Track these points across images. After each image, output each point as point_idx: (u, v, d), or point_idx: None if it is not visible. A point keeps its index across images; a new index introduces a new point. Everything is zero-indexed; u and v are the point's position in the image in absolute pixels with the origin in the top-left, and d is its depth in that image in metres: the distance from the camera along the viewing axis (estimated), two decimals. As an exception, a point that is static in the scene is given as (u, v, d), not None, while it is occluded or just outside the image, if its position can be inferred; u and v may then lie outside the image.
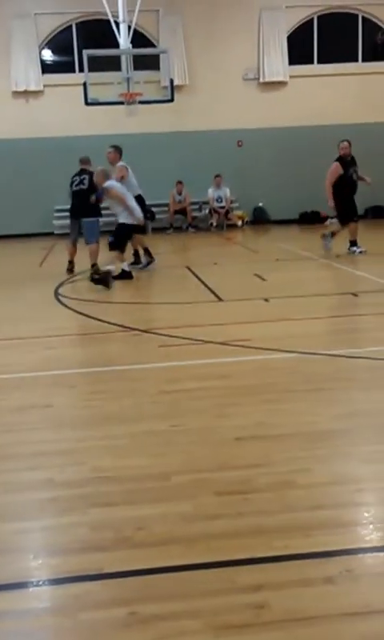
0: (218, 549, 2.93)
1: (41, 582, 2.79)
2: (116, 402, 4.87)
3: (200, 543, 2.99)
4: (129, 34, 14.95)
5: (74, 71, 17.62)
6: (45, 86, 18.00)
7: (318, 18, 18.68)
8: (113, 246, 10.09)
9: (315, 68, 18.78)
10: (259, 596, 2.60)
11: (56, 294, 9.22)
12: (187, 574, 2.78)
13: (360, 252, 10.96)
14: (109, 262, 9.92)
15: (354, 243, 11.08)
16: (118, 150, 11.05)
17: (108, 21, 14.89)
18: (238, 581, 2.70)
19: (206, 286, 9.24)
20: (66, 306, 8.43)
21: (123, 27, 14.86)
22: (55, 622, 2.55)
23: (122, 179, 10.34)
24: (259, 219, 18.63)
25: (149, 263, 10.98)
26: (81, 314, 7.87)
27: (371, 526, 3.11)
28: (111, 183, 9.88)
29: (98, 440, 4.20)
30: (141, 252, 11.21)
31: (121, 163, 10.81)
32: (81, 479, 3.66)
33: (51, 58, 18.72)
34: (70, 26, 18.05)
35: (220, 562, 2.83)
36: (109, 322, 7.28)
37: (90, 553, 2.95)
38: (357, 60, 19.05)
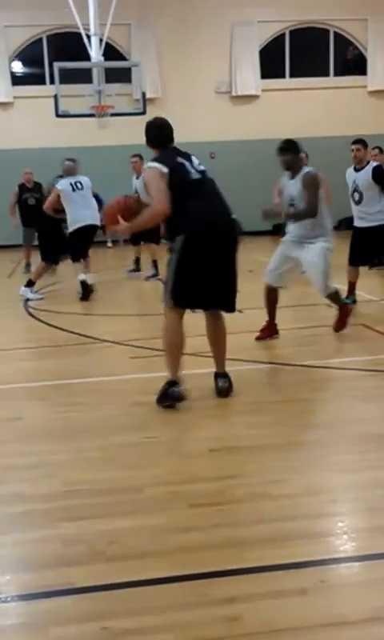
0: (191, 561, 2.90)
1: (10, 598, 2.74)
2: (88, 415, 4.83)
3: (173, 556, 2.96)
4: (100, 46, 14.99)
5: (44, 83, 17.59)
6: (15, 97, 17.93)
7: (290, 32, 18.85)
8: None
9: (287, 82, 18.93)
10: (232, 608, 2.58)
11: (26, 306, 9.15)
12: (160, 587, 2.74)
13: None
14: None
15: None
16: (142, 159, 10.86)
17: (79, 34, 14.91)
18: (211, 593, 2.68)
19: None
20: (36, 317, 8.37)
21: (95, 40, 14.89)
22: (26, 639, 2.51)
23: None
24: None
25: (154, 275, 10.78)
26: (51, 325, 7.81)
27: (345, 537, 3.11)
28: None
29: (70, 453, 4.16)
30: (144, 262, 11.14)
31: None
32: (52, 493, 3.62)
33: (22, 70, 18.68)
34: (41, 39, 18.03)
35: (193, 574, 2.81)
36: (80, 334, 7.24)
37: (62, 567, 2.91)
38: (328, 75, 19.25)
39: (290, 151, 6.35)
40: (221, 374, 5.02)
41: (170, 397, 4.77)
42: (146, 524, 3.24)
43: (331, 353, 6.09)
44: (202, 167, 4.97)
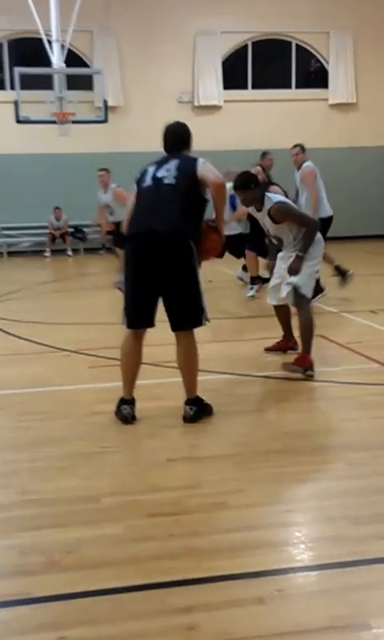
0: (148, 571, 2.91)
1: (-34, 609, 2.71)
2: (45, 424, 4.80)
3: (130, 566, 2.96)
4: (62, 53, 14.95)
5: (4, 89, 17.48)
6: (-25, 102, 17.79)
7: (253, 44, 19.03)
8: None
9: (249, 93, 19.09)
10: (189, 617, 2.58)
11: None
12: (117, 597, 2.74)
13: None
14: None
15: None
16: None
17: (41, 39, 14.86)
18: (169, 603, 2.68)
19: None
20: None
21: (56, 46, 14.86)
22: (-19, 650, 2.48)
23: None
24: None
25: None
26: (9, 334, 7.75)
27: (302, 546, 3.14)
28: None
29: (27, 462, 4.13)
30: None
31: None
32: (9, 502, 3.59)
33: (-19, 75, 18.54)
34: (2, 44, 17.91)
35: (150, 584, 2.81)
36: (38, 343, 7.19)
37: (19, 577, 2.89)
38: (290, 87, 19.45)
39: (244, 188, 5.84)
40: (187, 401, 4.76)
41: (119, 415, 4.73)
42: (103, 534, 3.24)
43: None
44: (164, 173, 4.63)
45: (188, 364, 4.72)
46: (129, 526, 3.30)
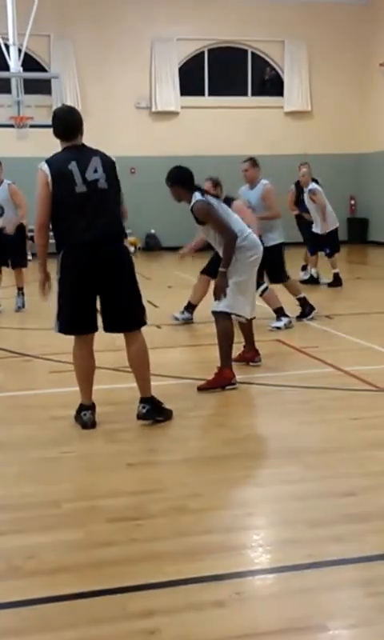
0: (109, 576, 2.92)
1: None
2: (5, 429, 4.78)
3: (91, 571, 2.97)
4: (19, 57, 14.89)
5: (-38, 92, 17.31)
6: None
7: (209, 51, 19.17)
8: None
9: (206, 100, 19.22)
10: (150, 622, 2.61)
11: None
12: (78, 602, 2.75)
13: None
14: None
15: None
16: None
17: (-2, 43, 14.78)
18: (129, 607, 2.70)
19: (97, 312, 9.21)
20: None
21: (13, 50, 14.80)
22: None
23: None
24: (151, 246, 18.79)
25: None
26: (-32, 338, 7.69)
27: (260, 549, 3.18)
28: None
29: (-13, 468, 4.11)
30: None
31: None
32: (-32, 509, 3.57)
33: None
34: None
35: (111, 589, 2.83)
36: (0, 348, 7.15)
37: (-21, 584, 2.88)
38: (246, 94, 19.64)
39: (171, 182, 5.61)
40: (141, 399, 4.80)
41: (79, 421, 4.75)
42: (63, 539, 3.24)
43: (248, 368, 6.20)
44: (96, 175, 4.57)
45: (141, 363, 4.79)
46: (89, 531, 3.32)
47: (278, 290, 8.04)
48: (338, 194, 19.24)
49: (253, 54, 19.46)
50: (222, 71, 19.50)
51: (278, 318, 7.85)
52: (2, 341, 7.48)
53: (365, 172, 19.65)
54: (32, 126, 14.60)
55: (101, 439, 4.56)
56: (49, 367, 6.36)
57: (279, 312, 7.87)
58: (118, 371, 5.76)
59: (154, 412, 4.78)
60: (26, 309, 9.39)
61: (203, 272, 8.22)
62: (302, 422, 4.88)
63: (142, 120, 18.75)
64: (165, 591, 2.82)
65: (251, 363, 6.31)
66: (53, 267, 4.72)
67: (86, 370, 4.79)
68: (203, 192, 5.63)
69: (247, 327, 6.28)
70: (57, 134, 4.73)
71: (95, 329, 4.78)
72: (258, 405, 5.40)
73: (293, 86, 19.44)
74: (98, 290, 4.65)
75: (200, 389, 5.54)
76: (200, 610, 2.68)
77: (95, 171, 4.59)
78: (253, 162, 7.98)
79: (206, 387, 5.54)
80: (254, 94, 19.75)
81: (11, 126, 14.58)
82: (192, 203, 5.54)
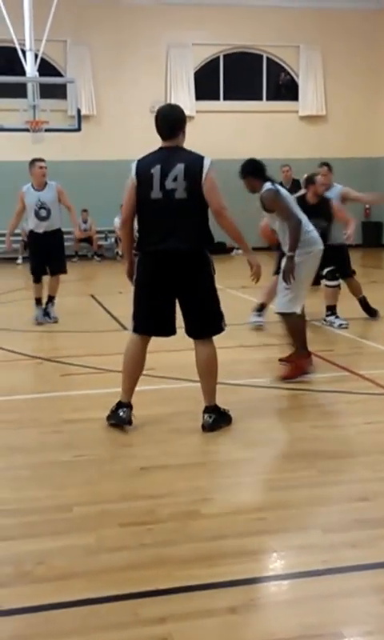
0: (120, 581, 2.88)
1: None
2: (17, 432, 4.75)
3: (102, 576, 2.93)
4: (36, 62, 14.93)
5: (-22, 96, 17.39)
6: None
7: (224, 56, 19.17)
8: None
9: (221, 104, 19.21)
10: (163, 628, 2.56)
11: None
12: (89, 608, 2.71)
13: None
14: None
15: None
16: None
17: (14, 48, 14.83)
18: (141, 613, 2.66)
19: (110, 314, 9.21)
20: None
21: (30, 55, 14.82)
22: None
23: None
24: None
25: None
26: (-19, 342, 7.68)
27: (274, 555, 3.13)
28: None
29: (-2, 471, 4.09)
30: None
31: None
32: (-21, 512, 3.54)
33: None
34: (-25, 51, 17.83)
35: (123, 594, 2.79)
36: (11, 350, 7.13)
37: (-12, 589, 2.85)
38: (261, 99, 19.61)
39: (244, 174, 5.97)
40: (206, 408, 4.74)
41: (116, 417, 4.72)
42: (75, 544, 3.21)
43: (262, 372, 6.15)
44: (173, 185, 4.44)
45: (208, 371, 4.74)
46: (101, 535, 3.28)
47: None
48: (353, 198, 19.22)
49: (268, 59, 19.44)
50: (237, 76, 19.49)
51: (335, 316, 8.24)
52: (13, 343, 7.47)
53: (379, 176, 19.55)
54: (47, 130, 14.62)
55: (114, 443, 4.53)
56: (60, 370, 6.34)
57: (331, 309, 8.27)
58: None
59: (219, 421, 4.72)
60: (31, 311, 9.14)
61: (276, 273, 8.18)
62: (316, 425, 4.83)
63: (156, 124, 18.76)
64: (177, 597, 2.77)
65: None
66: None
67: (133, 369, 4.76)
68: (273, 182, 5.89)
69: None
70: (157, 130, 4.65)
71: (166, 333, 4.75)
72: (272, 408, 5.35)
73: (307, 90, 19.39)
74: (173, 295, 4.63)
75: (284, 378, 5.83)
76: (213, 617, 2.64)
77: (175, 179, 4.44)
78: (329, 167, 8.42)
79: (290, 377, 5.82)
80: (268, 98, 19.73)
81: (27, 130, 14.61)
82: (261, 191, 5.82)
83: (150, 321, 4.70)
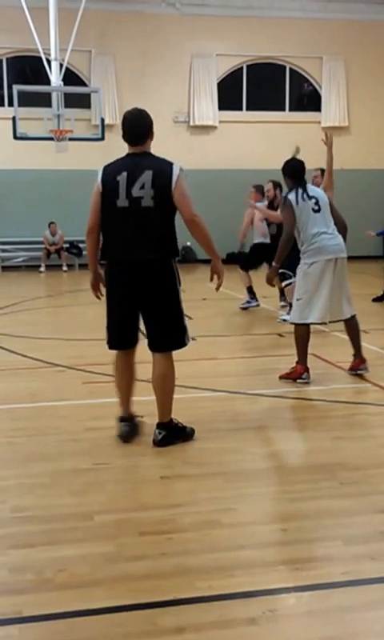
0: (140, 590, 2.88)
1: None
2: (38, 440, 4.77)
3: (122, 585, 2.93)
4: (60, 71, 15.08)
5: (3, 105, 17.56)
6: (-27, 118, 17.88)
7: (248, 67, 19.23)
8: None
9: (244, 115, 19.26)
10: (181, 638, 2.56)
11: (-21, 328, 9.04)
12: (108, 616, 2.72)
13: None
14: None
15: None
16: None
17: (40, 57, 14.99)
18: (160, 623, 2.66)
19: (138, 327, 9.21)
20: (-12, 340, 8.27)
21: (55, 65, 15.00)
22: (-30, 669, 2.45)
23: None
24: (187, 258, 18.80)
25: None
26: (3, 349, 7.73)
27: (294, 566, 3.12)
28: None
29: (19, 478, 4.10)
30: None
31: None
32: (0, 519, 3.56)
33: (-20, 92, 18.64)
34: (1, 61, 18.01)
35: (142, 603, 2.79)
36: (32, 358, 7.17)
37: (9, 595, 2.86)
38: (284, 109, 19.64)
39: (284, 173, 6.36)
40: (157, 424, 4.61)
41: (117, 432, 4.69)
42: (95, 552, 3.21)
43: (282, 382, 6.14)
44: (139, 192, 4.32)
45: (162, 386, 4.58)
46: (121, 544, 3.28)
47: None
48: (375, 209, 19.13)
49: (291, 69, 19.47)
50: (260, 86, 19.53)
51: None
52: (35, 351, 7.51)
53: (403, 187, 19.50)
54: (71, 139, 14.76)
55: (134, 451, 4.53)
56: (82, 378, 6.36)
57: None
58: (150, 383, 5.72)
59: (170, 437, 4.59)
60: (53, 318, 9.33)
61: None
62: (337, 437, 4.81)
63: (180, 134, 18.83)
64: (196, 607, 2.77)
65: (350, 372, 6.36)
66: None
67: (124, 383, 4.71)
68: (305, 189, 6.09)
69: (348, 331, 6.43)
70: (123, 136, 4.55)
71: (133, 345, 4.68)
72: (293, 419, 5.33)
73: (330, 101, 19.40)
74: (138, 307, 4.55)
75: (280, 377, 6.15)
76: (232, 627, 2.63)
77: (142, 187, 4.33)
78: (322, 172, 8.83)
79: (284, 377, 6.14)
80: (291, 109, 19.75)
81: (51, 138, 14.75)
82: (283, 194, 6.27)
83: (123, 333, 4.61)
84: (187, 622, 2.66)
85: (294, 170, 6.22)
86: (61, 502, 3.76)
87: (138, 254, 4.38)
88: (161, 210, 4.36)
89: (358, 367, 6.32)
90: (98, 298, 4.75)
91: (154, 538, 3.33)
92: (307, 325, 6.13)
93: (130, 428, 4.69)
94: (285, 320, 8.39)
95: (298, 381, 6.06)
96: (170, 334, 4.56)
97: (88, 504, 3.72)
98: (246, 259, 10.23)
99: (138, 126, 4.51)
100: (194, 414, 5.15)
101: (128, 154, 4.54)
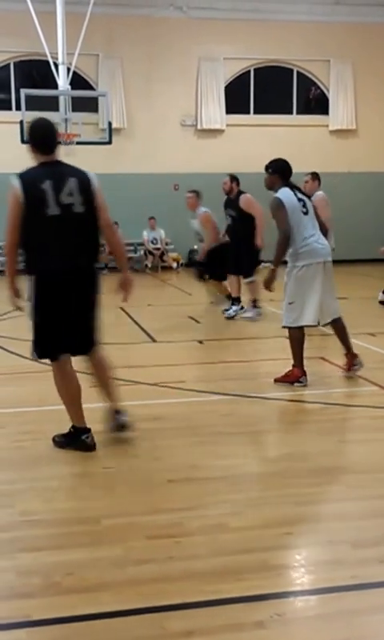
0: (148, 594, 2.89)
1: (-36, 630, 2.69)
2: (46, 443, 4.78)
3: (130, 588, 2.94)
4: (68, 75, 15.13)
5: (10, 109, 17.61)
6: (-20, 123, 17.93)
7: (255, 70, 19.24)
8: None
9: (251, 118, 19.27)
10: (189, 642, 2.56)
11: (-13, 331, 9.06)
12: (116, 620, 2.72)
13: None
14: None
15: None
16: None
17: (47, 61, 15.03)
18: (168, 627, 2.66)
19: (139, 327, 9.24)
20: (-4, 344, 8.29)
21: (62, 69, 15.04)
22: (-22, 672, 2.46)
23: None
24: (194, 262, 18.82)
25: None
26: (10, 352, 7.75)
27: (302, 569, 3.12)
28: None
29: (28, 482, 4.11)
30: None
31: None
32: (9, 523, 3.57)
33: (-13, 96, 18.71)
34: (8, 65, 18.09)
35: (150, 607, 2.79)
36: (40, 362, 7.17)
37: (17, 599, 2.87)
38: (291, 112, 19.65)
39: (272, 170, 6.39)
40: (116, 411, 4.76)
41: (83, 445, 4.59)
42: (102, 555, 3.22)
43: (288, 385, 6.13)
44: (69, 199, 4.33)
45: (110, 375, 4.83)
46: (128, 548, 3.29)
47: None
48: (382, 212, 19.11)
49: (298, 72, 19.48)
50: (268, 90, 19.54)
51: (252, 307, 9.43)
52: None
53: (410, 190, 19.47)
54: (78, 143, 14.78)
55: (142, 455, 4.54)
56: (88, 381, 6.36)
57: (255, 303, 9.44)
58: (158, 386, 5.74)
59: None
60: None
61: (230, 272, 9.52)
62: (343, 440, 4.81)
63: (186, 137, 18.85)
64: (204, 611, 2.77)
65: (349, 372, 6.38)
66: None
67: (72, 393, 4.70)
68: (294, 189, 6.13)
69: (337, 332, 6.41)
70: (35, 145, 4.51)
71: (75, 349, 4.71)
72: (300, 422, 5.33)
73: (338, 104, 19.39)
74: (73, 312, 4.53)
75: (276, 381, 6.11)
76: (239, 631, 2.63)
77: (70, 194, 4.34)
78: (313, 176, 9.14)
79: (280, 380, 6.10)
80: (299, 112, 19.74)
81: (59, 142, 14.78)
82: (274, 194, 6.09)
83: (54, 343, 4.58)
84: (195, 626, 2.66)
85: (284, 169, 6.26)
86: (68, 506, 3.77)
87: (76, 261, 4.41)
88: (91, 216, 4.44)
89: (352, 363, 6.36)
90: (21, 309, 4.67)
91: (161, 541, 3.33)
92: (301, 328, 6.09)
93: (93, 438, 4.63)
94: (231, 315, 9.41)
95: (296, 384, 6.03)
96: (95, 333, 4.73)
97: (95, 508, 3.73)
98: (212, 270, 10.25)
99: (53, 136, 4.63)
100: (202, 418, 5.16)
101: (43, 163, 4.52)
